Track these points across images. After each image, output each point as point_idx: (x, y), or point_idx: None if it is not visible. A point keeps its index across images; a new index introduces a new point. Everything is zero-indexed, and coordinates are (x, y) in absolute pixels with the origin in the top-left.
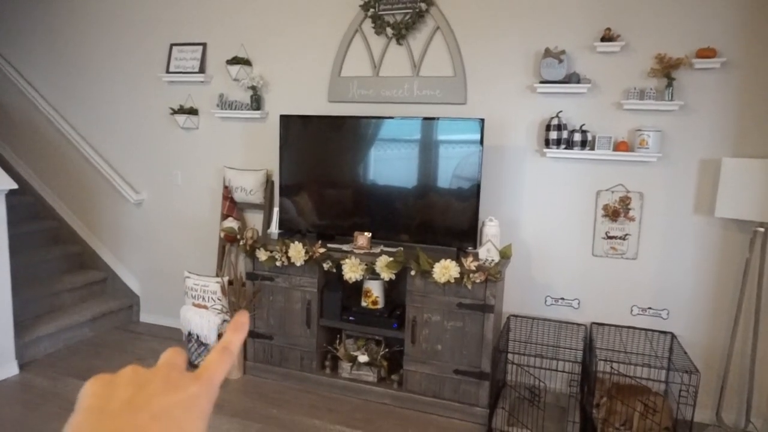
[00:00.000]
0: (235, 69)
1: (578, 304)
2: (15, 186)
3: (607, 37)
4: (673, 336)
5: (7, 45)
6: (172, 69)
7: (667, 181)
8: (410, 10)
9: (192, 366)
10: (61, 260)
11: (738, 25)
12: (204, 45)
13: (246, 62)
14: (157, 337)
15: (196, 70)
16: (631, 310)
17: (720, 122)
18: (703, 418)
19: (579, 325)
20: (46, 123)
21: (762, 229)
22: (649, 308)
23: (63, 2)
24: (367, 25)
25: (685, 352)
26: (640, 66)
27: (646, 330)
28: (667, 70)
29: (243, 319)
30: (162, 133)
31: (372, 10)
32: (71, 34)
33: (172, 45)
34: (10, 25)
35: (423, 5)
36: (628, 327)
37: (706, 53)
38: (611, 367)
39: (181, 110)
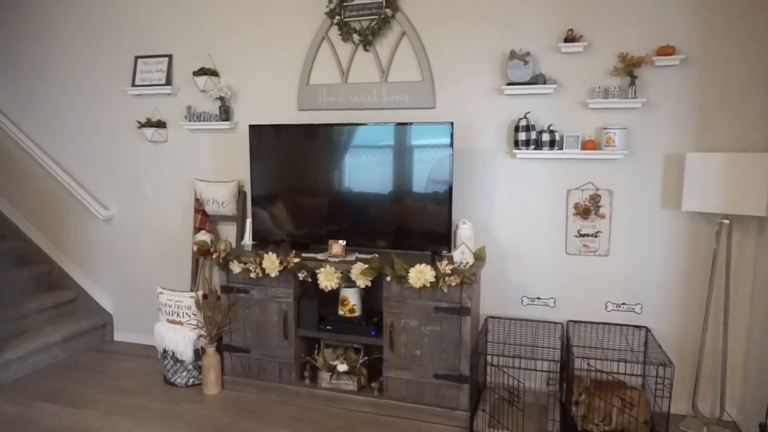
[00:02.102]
0: (202, 80)
1: (554, 302)
2: None
3: (570, 38)
4: (648, 330)
5: None
6: (137, 82)
7: (634, 178)
8: (376, 17)
9: (168, 384)
10: (28, 281)
11: (694, 23)
12: (170, 57)
13: (213, 73)
14: (132, 355)
15: (163, 82)
16: (606, 307)
17: (682, 118)
18: (680, 409)
19: (556, 323)
20: (8, 139)
21: (727, 221)
22: (623, 304)
23: (22, 14)
24: (334, 33)
25: (659, 346)
26: (603, 65)
27: (621, 325)
28: (629, 68)
29: None
30: (130, 147)
31: (338, 17)
32: (32, 48)
33: (137, 57)
34: None
35: (388, 11)
36: (604, 323)
37: (666, 51)
38: (588, 364)
39: (149, 123)
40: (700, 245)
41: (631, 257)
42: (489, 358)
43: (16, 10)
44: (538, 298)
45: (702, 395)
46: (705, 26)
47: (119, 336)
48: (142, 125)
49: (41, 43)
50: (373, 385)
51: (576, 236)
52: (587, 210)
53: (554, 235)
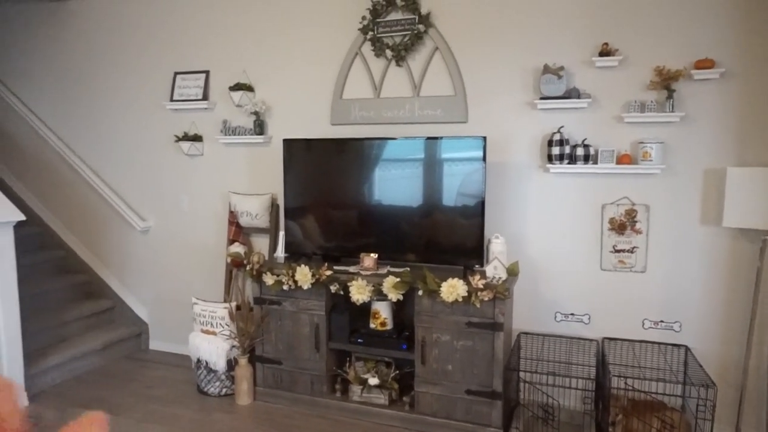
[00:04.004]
0: (237, 95)
1: (589, 319)
2: (23, 218)
3: (605, 52)
4: (687, 349)
5: (16, 79)
6: (176, 97)
7: (672, 193)
8: (409, 32)
9: (201, 393)
10: (68, 290)
11: (734, 35)
12: (207, 72)
13: (248, 88)
14: (166, 364)
15: (200, 97)
16: (643, 324)
17: (722, 132)
18: None
19: (590, 340)
20: (54, 154)
21: None
22: (661, 321)
23: (69, 36)
24: (367, 48)
25: (701, 366)
26: (639, 79)
27: (659, 343)
28: (666, 82)
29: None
30: (167, 161)
31: (371, 33)
32: (77, 67)
33: (176, 73)
34: (19, 60)
35: (421, 27)
36: (641, 341)
37: (705, 64)
38: (625, 383)
39: (186, 137)
40: (743, 262)
41: (669, 274)
42: (522, 374)
43: (62, 28)
44: (572, 314)
45: (746, 418)
46: (745, 39)
47: (154, 345)
48: (179, 139)
49: (86, 61)
50: (404, 399)
51: (611, 252)
52: (623, 225)
53: (589, 251)
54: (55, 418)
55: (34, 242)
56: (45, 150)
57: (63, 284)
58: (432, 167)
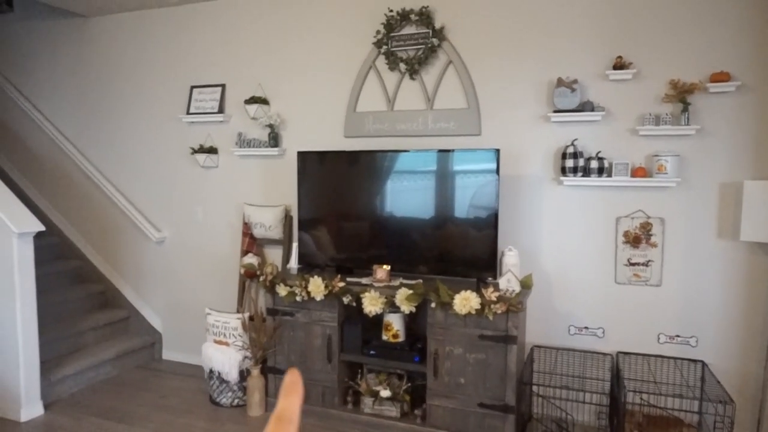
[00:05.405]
0: (253, 108)
1: (603, 333)
2: (42, 228)
3: (619, 65)
4: (704, 364)
5: (37, 93)
6: (192, 110)
7: (688, 206)
8: (422, 46)
9: (214, 404)
10: (84, 299)
11: (750, 48)
12: (223, 86)
13: (263, 101)
14: (179, 374)
15: (216, 110)
16: (658, 338)
17: (738, 145)
18: None
19: (605, 354)
20: (72, 166)
21: None
22: (677, 336)
23: (89, 52)
24: (381, 62)
25: (718, 381)
26: (653, 92)
27: (675, 358)
28: (681, 95)
29: (292, 378)
30: (183, 173)
31: (385, 47)
32: (96, 80)
33: (192, 87)
34: (40, 75)
35: (435, 41)
36: (656, 356)
37: (720, 77)
38: (641, 399)
39: (201, 149)
40: (760, 276)
41: (685, 288)
42: (535, 388)
43: (82, 44)
44: (585, 327)
45: None
46: (761, 52)
47: (167, 355)
48: (195, 151)
49: (105, 75)
50: (416, 412)
51: (626, 265)
52: (638, 238)
53: (603, 264)
54: (72, 426)
55: (52, 252)
56: (64, 161)
57: (79, 294)
58: (445, 179)
